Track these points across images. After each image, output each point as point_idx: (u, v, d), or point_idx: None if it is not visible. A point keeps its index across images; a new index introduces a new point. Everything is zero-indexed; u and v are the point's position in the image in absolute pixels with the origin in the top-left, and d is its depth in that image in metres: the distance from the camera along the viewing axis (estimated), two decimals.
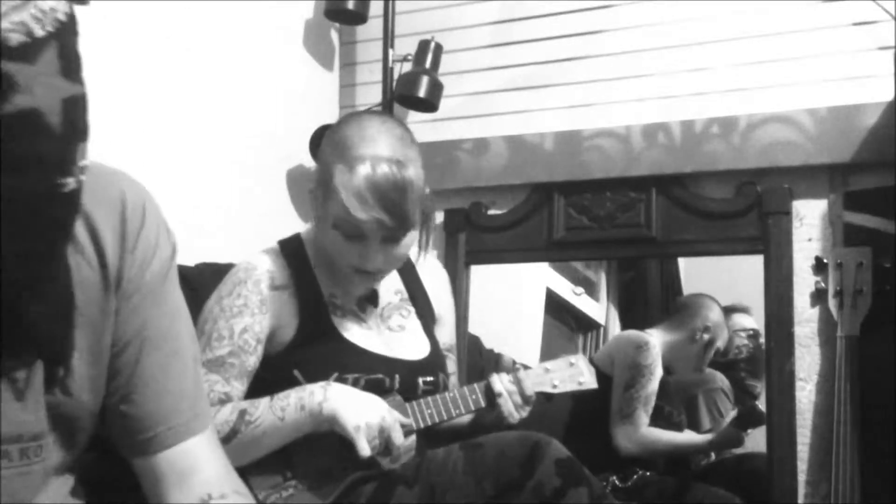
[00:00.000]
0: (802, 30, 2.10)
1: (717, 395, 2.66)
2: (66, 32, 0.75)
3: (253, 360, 1.46)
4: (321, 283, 1.55)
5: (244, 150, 2.20)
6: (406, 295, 1.65)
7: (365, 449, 1.36)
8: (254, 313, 1.47)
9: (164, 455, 0.98)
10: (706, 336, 2.53)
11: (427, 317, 1.66)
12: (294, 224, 2.38)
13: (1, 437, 0.85)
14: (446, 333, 1.70)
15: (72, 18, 0.76)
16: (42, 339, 0.86)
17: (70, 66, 0.75)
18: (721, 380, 2.68)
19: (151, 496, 0.99)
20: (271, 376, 1.46)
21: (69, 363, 0.90)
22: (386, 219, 1.40)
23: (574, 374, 1.58)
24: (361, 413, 1.38)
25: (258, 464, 1.40)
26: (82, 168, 0.78)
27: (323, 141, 1.54)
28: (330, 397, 1.39)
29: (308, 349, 1.48)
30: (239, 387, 1.45)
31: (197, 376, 1.03)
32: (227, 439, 1.36)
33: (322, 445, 1.42)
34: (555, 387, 1.56)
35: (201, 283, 1.70)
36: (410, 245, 1.51)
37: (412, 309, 1.64)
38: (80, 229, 0.90)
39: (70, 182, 0.77)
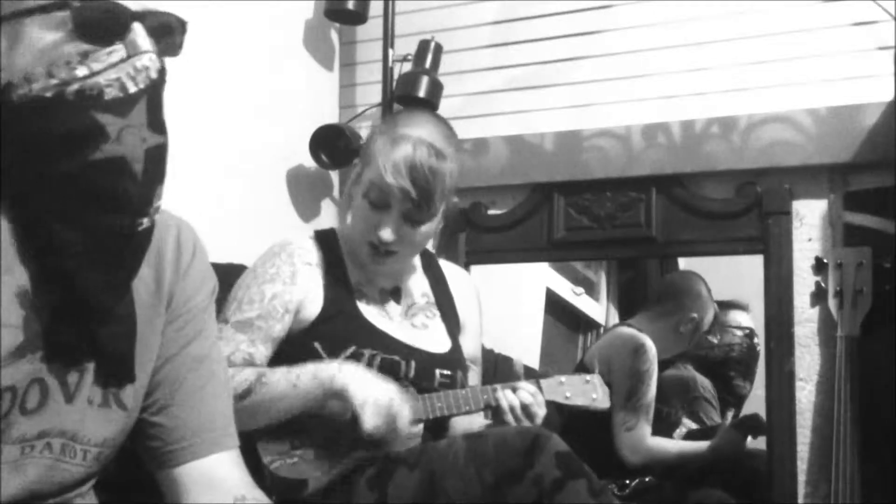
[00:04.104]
0: (802, 30, 2.09)
1: (699, 403, 2.64)
2: (155, 87, 0.85)
3: (279, 328, 1.51)
4: (349, 270, 1.62)
5: (244, 150, 2.20)
6: (433, 299, 1.69)
7: (368, 423, 1.37)
8: (284, 282, 1.53)
9: (193, 465, 1.02)
10: (690, 326, 2.52)
11: (452, 323, 1.69)
12: (294, 224, 2.38)
13: (49, 431, 0.91)
14: (470, 343, 1.72)
15: (162, 73, 0.85)
16: (110, 358, 0.94)
17: (156, 118, 0.85)
18: (703, 385, 2.65)
19: None
20: (293, 350, 1.50)
21: (132, 379, 0.97)
22: (411, 190, 1.49)
23: (588, 390, 1.62)
24: (371, 390, 1.41)
25: (270, 430, 1.43)
26: (157, 208, 0.88)
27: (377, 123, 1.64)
28: (343, 371, 1.43)
29: (330, 324, 1.53)
30: (263, 350, 1.50)
31: (229, 403, 1.09)
32: (242, 397, 1.40)
33: (333, 421, 1.45)
34: (567, 398, 1.59)
35: None
36: (427, 237, 1.59)
37: (437, 313, 1.68)
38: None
39: (145, 222, 0.87)
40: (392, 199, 1.51)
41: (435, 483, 1.30)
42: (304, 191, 2.43)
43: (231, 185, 2.15)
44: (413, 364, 1.53)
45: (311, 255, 1.59)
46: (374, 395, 1.40)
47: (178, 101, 2.02)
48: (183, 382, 1.03)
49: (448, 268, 1.77)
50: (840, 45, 2.06)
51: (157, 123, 0.85)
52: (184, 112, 1.99)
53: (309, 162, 2.36)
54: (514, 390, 1.51)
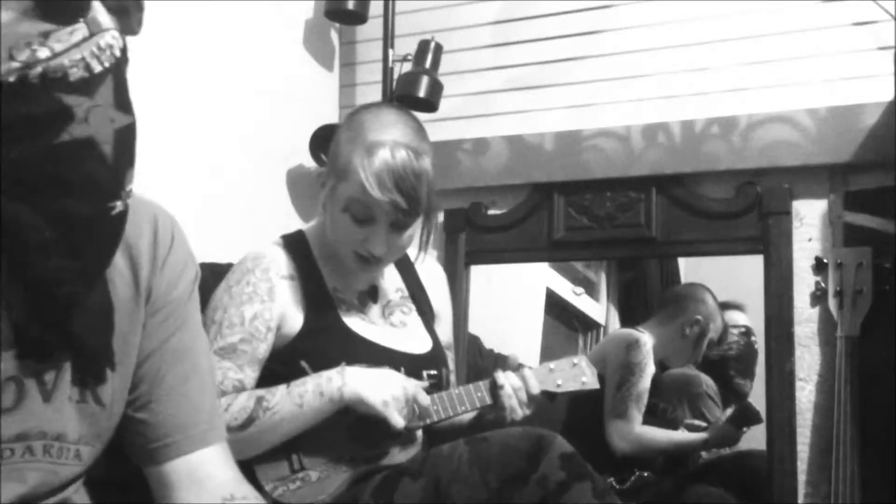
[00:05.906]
0: (802, 30, 2.09)
1: (702, 399, 2.65)
2: (119, 66, 0.81)
3: (263, 348, 1.47)
4: (326, 276, 1.57)
5: (244, 151, 2.20)
6: (406, 293, 1.67)
7: (399, 421, 1.41)
8: (263, 300, 1.48)
9: (179, 462, 1.01)
10: (696, 329, 2.53)
11: (427, 314, 1.68)
12: (294, 224, 2.37)
13: (28, 433, 0.89)
14: (444, 331, 1.72)
15: (125, 51, 0.82)
16: (85, 350, 0.91)
17: (122, 97, 0.81)
18: (706, 383, 2.66)
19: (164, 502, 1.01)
20: (279, 368, 1.47)
21: (106, 376, 0.95)
22: (401, 201, 1.43)
23: (577, 373, 1.60)
24: (384, 388, 1.42)
25: (265, 455, 1.41)
26: (129, 192, 0.84)
27: (339, 128, 1.57)
28: (348, 381, 1.41)
29: (315, 340, 1.50)
30: (251, 374, 1.46)
31: (214, 395, 1.08)
32: (245, 426, 1.38)
33: (330, 437, 1.44)
34: (558, 386, 1.58)
35: (201, 283, 1.70)
36: (413, 237, 1.54)
37: (413, 306, 1.66)
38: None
39: (118, 205, 0.83)
40: (378, 213, 1.46)
41: (440, 490, 1.29)
42: (304, 191, 2.43)
43: (231, 185, 2.15)
44: (402, 370, 1.51)
45: (285, 267, 1.53)
46: (389, 392, 1.41)
47: (179, 101, 2.03)
48: (165, 377, 1.01)
49: (415, 257, 1.71)
50: (840, 45, 2.06)
51: (124, 103, 0.81)
52: (184, 112, 2.00)
53: (309, 162, 2.36)
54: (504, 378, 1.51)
